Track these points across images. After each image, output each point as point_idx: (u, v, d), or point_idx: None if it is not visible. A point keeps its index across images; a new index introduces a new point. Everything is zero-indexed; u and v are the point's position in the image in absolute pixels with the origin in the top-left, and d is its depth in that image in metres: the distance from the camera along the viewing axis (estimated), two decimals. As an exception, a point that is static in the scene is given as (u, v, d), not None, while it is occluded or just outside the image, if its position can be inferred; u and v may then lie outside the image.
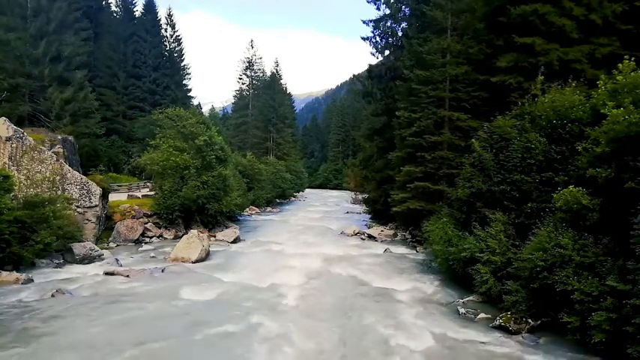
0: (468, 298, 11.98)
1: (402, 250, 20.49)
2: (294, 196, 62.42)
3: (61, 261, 15.51)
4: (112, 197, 22.72)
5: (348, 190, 59.20)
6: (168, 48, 48.98)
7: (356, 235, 25.17)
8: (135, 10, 48.52)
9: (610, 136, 8.89)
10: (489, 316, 10.50)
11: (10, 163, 17.22)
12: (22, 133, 17.90)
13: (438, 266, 15.14)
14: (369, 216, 34.00)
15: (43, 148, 18.77)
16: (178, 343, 8.65)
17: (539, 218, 10.58)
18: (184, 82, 51.34)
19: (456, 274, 13.29)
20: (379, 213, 29.94)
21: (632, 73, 9.40)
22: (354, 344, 8.94)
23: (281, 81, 71.46)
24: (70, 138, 24.81)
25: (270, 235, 24.93)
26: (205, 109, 79.26)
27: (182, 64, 51.28)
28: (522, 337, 9.34)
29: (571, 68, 15.45)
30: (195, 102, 54.40)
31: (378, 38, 29.13)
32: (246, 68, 66.98)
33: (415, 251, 20.01)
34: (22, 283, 12.36)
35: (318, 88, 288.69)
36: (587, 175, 9.26)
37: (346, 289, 13.33)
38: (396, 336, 9.35)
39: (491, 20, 18.18)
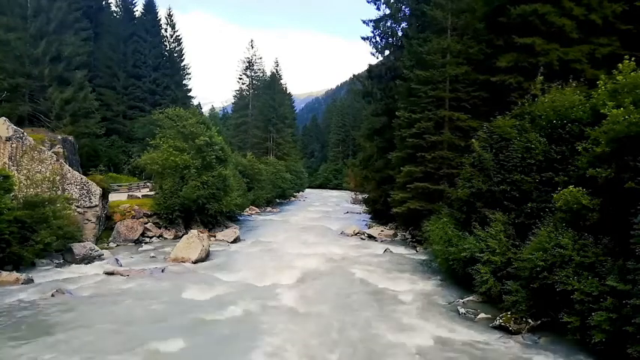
0: (468, 298, 11.98)
1: (402, 250, 20.49)
2: (294, 196, 62.41)
3: (61, 261, 15.51)
4: (112, 197, 22.72)
5: (348, 190, 59.19)
6: (168, 48, 48.95)
7: (356, 235, 25.17)
8: (135, 10, 48.53)
9: (610, 136, 8.89)
10: (489, 316, 10.50)
11: (10, 163, 17.21)
12: (22, 133, 17.90)
13: (438, 266, 15.14)
14: (369, 216, 34.00)
15: (43, 148, 18.78)
16: (178, 343, 8.65)
17: (539, 218, 10.58)
18: (184, 82, 51.33)
19: (456, 274, 13.30)
20: (379, 213, 29.94)
21: (632, 73, 9.40)
22: (354, 344, 8.94)
23: (281, 81, 71.51)
24: (70, 138, 24.81)
25: (270, 235, 24.94)
26: (205, 109, 79.22)
27: (182, 64, 51.26)
28: (522, 337, 9.34)
29: (571, 68, 15.45)
30: (195, 102, 54.43)
31: (378, 38, 29.16)
32: (246, 68, 66.98)
33: (415, 251, 20.01)
34: (22, 283, 12.36)
35: (318, 88, 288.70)
36: (587, 175, 9.26)
37: (346, 289, 13.33)
38: (396, 336, 9.35)
39: (491, 20, 18.19)
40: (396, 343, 9.00)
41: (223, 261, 17.18)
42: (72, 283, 12.78)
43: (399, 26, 28.72)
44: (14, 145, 17.47)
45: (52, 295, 11.35)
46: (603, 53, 15.93)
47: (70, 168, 19.10)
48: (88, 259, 15.64)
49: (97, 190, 18.95)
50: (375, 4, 28.63)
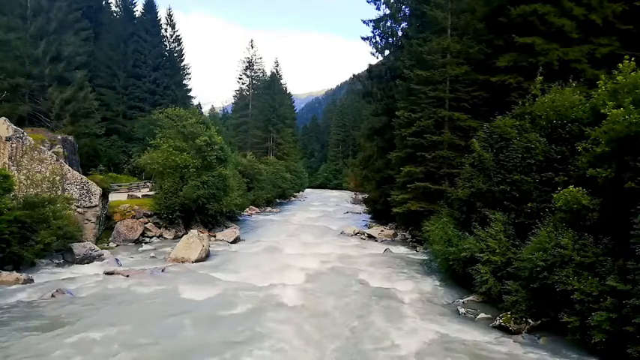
0: (468, 298, 11.98)
1: (402, 250, 20.49)
2: (294, 196, 62.43)
3: (61, 261, 15.51)
4: (112, 197, 22.71)
5: (348, 190, 59.27)
6: (168, 48, 49.00)
7: (356, 235, 25.17)
8: (135, 10, 48.49)
9: (610, 136, 8.89)
10: (489, 316, 10.50)
11: (10, 163, 17.21)
12: (22, 133, 17.90)
13: (438, 266, 15.14)
14: (369, 216, 34.01)
15: (43, 148, 18.77)
16: (178, 343, 8.65)
17: (539, 218, 10.58)
18: (184, 82, 51.38)
19: (456, 274, 13.30)
20: (379, 213, 29.95)
21: (632, 73, 9.39)
22: (354, 344, 8.95)
23: (281, 81, 71.57)
24: (70, 138, 24.82)
25: (270, 235, 24.94)
26: (205, 109, 79.30)
27: (182, 64, 51.32)
28: (522, 337, 9.34)
29: (571, 68, 15.45)
30: (195, 102, 54.49)
31: (378, 38, 29.15)
32: (246, 68, 66.98)
33: (415, 251, 20.01)
34: (22, 283, 12.36)
35: (318, 88, 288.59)
36: (587, 175, 9.27)
37: (346, 289, 13.33)
38: (396, 336, 9.36)
39: (492, 20, 18.19)
40: (395, 342, 9.00)
41: (223, 261, 17.18)
42: (72, 283, 12.78)
43: (399, 26, 28.74)
44: (14, 145, 17.47)
45: (52, 295, 11.35)
46: (603, 53, 15.92)
47: (70, 168, 19.10)
48: (88, 259, 15.63)
49: (97, 190, 18.94)
50: (375, 4, 28.65)
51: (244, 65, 66.98)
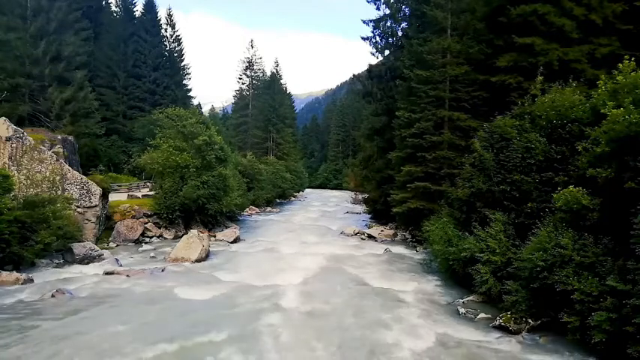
0: (468, 298, 11.98)
1: (402, 250, 20.49)
2: (294, 196, 62.42)
3: (61, 261, 15.51)
4: (112, 197, 22.71)
5: (348, 190, 59.29)
6: (168, 48, 49.01)
7: (356, 235, 25.17)
8: (135, 10, 48.50)
9: (610, 136, 8.89)
10: (489, 316, 10.50)
11: (10, 163, 17.21)
12: (22, 133, 17.90)
13: (438, 266, 15.14)
14: (369, 216, 34.01)
15: (43, 148, 18.77)
16: (178, 343, 8.64)
17: (539, 218, 10.57)
18: (184, 82, 51.39)
19: (456, 274, 13.30)
20: (379, 213, 29.95)
21: (632, 73, 9.39)
22: (354, 344, 8.94)
23: (281, 81, 71.55)
24: (70, 138, 24.82)
25: (270, 235, 24.94)
26: (205, 109, 79.32)
27: (182, 64, 51.33)
28: (522, 336, 9.34)
29: (571, 68, 15.45)
30: (195, 102, 54.50)
31: (378, 38, 29.16)
32: (246, 68, 66.98)
33: (415, 251, 20.01)
34: (22, 283, 12.35)
35: (318, 88, 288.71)
36: (587, 175, 9.26)
37: (346, 289, 13.33)
38: (396, 336, 9.35)
39: (492, 20, 18.20)
40: (396, 342, 9.00)
41: (223, 261, 17.18)
42: (72, 283, 12.78)
43: (399, 26, 28.74)
44: (14, 145, 17.47)
45: (52, 295, 11.35)
46: (603, 53, 15.92)
47: (70, 168, 19.09)
48: (88, 259, 15.63)
49: (97, 190, 18.94)
50: (375, 4, 28.65)
51: (244, 65, 67.04)
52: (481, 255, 11.32)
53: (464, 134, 19.37)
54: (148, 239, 21.05)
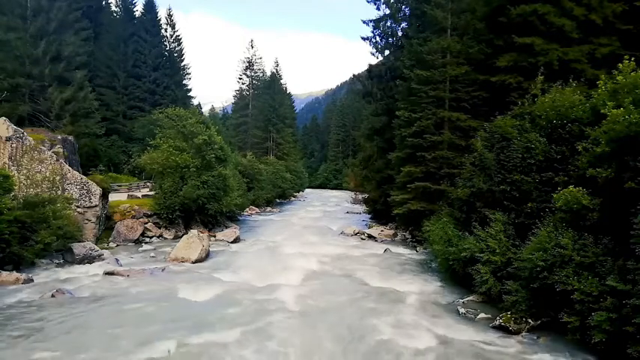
0: (468, 298, 11.98)
1: (402, 250, 20.48)
2: (294, 196, 62.45)
3: (61, 261, 15.50)
4: (112, 197, 22.71)
5: (348, 190, 59.29)
6: (168, 48, 49.03)
7: (356, 235, 25.17)
8: (135, 10, 48.53)
9: (610, 136, 8.89)
10: (489, 316, 10.50)
11: (10, 163, 17.21)
12: (22, 133, 17.90)
13: (438, 266, 15.14)
14: (369, 216, 34.01)
15: (43, 148, 18.77)
16: (178, 343, 8.64)
17: (539, 218, 10.57)
18: (184, 82, 51.41)
19: (456, 274, 13.29)
20: (379, 213, 29.95)
21: (632, 73, 9.38)
22: (354, 344, 8.94)
23: (281, 81, 71.61)
24: (70, 138, 24.82)
25: (270, 235, 24.94)
26: (205, 109, 79.35)
27: (182, 64, 51.34)
28: (522, 336, 9.34)
29: (571, 68, 15.44)
30: (195, 102, 54.52)
31: (378, 38, 29.16)
32: (246, 68, 67.02)
33: (415, 251, 20.01)
34: (22, 283, 12.35)
35: (318, 88, 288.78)
36: (587, 175, 9.26)
37: (346, 289, 13.32)
38: (396, 336, 9.35)
39: (492, 20, 18.19)
40: (396, 342, 8.99)
41: (223, 261, 17.18)
42: (72, 283, 12.78)
43: (399, 26, 28.74)
44: (14, 145, 17.47)
45: (52, 296, 11.35)
46: (603, 53, 15.92)
47: (70, 168, 19.09)
48: (88, 259, 15.63)
49: (97, 190, 18.94)
50: (375, 4, 28.65)
51: (244, 65, 67.09)
52: (481, 255, 11.32)
53: (464, 134, 19.37)
54: (148, 239, 21.05)
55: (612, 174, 8.78)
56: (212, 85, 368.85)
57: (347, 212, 41.11)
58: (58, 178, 18.11)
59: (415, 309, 11.37)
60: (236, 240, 22.14)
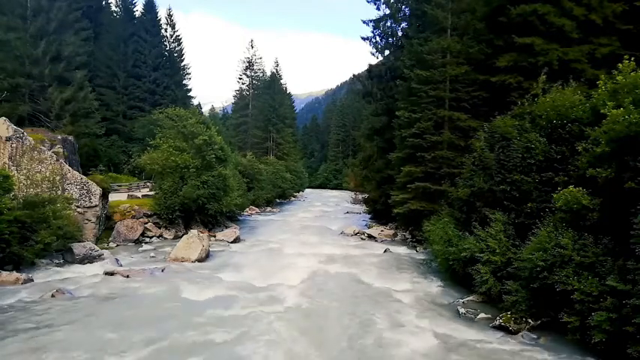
0: (468, 298, 11.98)
1: (402, 250, 20.48)
2: (294, 196, 62.44)
3: (61, 261, 15.50)
4: (112, 197, 22.71)
5: (348, 190, 59.29)
6: (168, 48, 49.04)
7: (356, 235, 25.17)
8: (135, 10, 48.54)
9: (610, 136, 8.88)
10: (489, 316, 10.50)
11: (10, 163, 17.21)
12: (22, 133, 17.90)
13: (438, 266, 15.14)
14: (369, 216, 34.00)
15: (43, 148, 18.77)
16: (178, 343, 8.65)
17: (539, 218, 10.57)
18: (184, 82, 51.43)
19: (456, 274, 13.29)
20: (379, 213, 29.95)
21: (632, 73, 9.38)
22: (354, 344, 8.94)
23: (281, 81, 71.60)
24: (70, 138, 24.82)
25: (270, 235, 24.94)
26: (205, 109, 79.35)
27: (182, 64, 51.36)
28: (522, 336, 9.34)
29: (571, 68, 15.46)
30: (195, 102, 54.54)
31: (378, 38, 29.16)
32: (246, 68, 67.00)
33: (415, 251, 20.01)
34: (22, 283, 12.35)
35: (318, 88, 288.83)
36: (587, 175, 9.26)
37: (346, 289, 13.32)
38: (396, 336, 9.35)
39: (492, 20, 18.21)
40: (396, 342, 9.00)
41: (223, 261, 17.18)
42: (72, 283, 12.78)
43: (399, 26, 28.75)
44: (14, 145, 17.47)
45: (52, 295, 11.34)
46: (603, 53, 15.92)
47: (70, 168, 19.09)
48: (88, 259, 15.62)
49: (97, 190, 18.94)
50: (375, 4, 28.65)
51: (244, 65, 67.07)
52: (481, 255, 11.32)
53: (464, 134, 19.37)
54: (148, 239, 21.05)
55: (612, 174, 8.78)
56: (212, 85, 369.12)
57: (347, 212, 41.10)
58: (58, 178, 18.10)
59: (415, 309, 11.37)
60: (236, 240, 22.13)
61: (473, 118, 19.16)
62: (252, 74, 67.30)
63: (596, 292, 8.08)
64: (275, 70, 69.47)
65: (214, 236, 22.27)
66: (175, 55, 50.08)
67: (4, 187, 14.06)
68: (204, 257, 17.04)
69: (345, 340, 9.15)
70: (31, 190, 17.07)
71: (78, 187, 18.60)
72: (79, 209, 18.32)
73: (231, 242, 21.66)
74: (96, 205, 18.86)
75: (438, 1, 21.07)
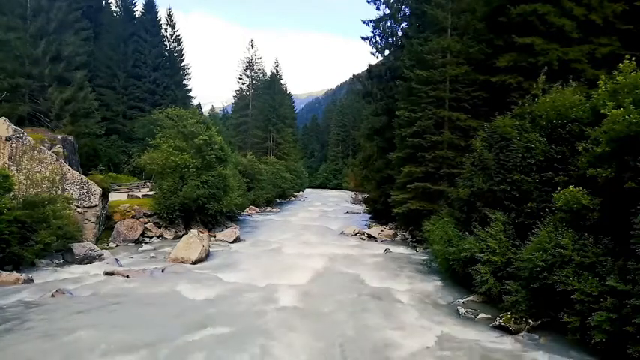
0: (468, 298, 11.98)
1: (402, 250, 20.49)
2: (294, 196, 62.44)
3: (61, 261, 15.50)
4: (112, 197, 22.71)
5: (348, 190, 59.31)
6: (168, 48, 49.05)
7: (356, 235, 25.17)
8: (135, 10, 48.54)
9: (610, 136, 8.88)
10: (489, 316, 10.50)
11: (10, 163, 17.21)
12: (22, 133, 17.90)
13: (438, 266, 15.14)
14: (369, 216, 34.01)
15: (43, 148, 18.77)
16: (178, 343, 8.64)
17: (539, 218, 10.57)
18: (184, 82, 51.43)
19: (456, 274, 13.30)
20: (379, 213, 29.95)
21: (632, 73, 9.39)
22: (354, 344, 8.94)
23: (281, 81, 71.58)
24: (70, 138, 24.83)
25: (270, 234, 24.95)
26: (205, 109, 79.38)
27: (182, 64, 51.37)
28: (522, 336, 9.34)
29: (571, 68, 15.46)
30: (195, 102, 54.54)
31: (378, 38, 29.17)
32: (246, 68, 67.00)
33: (415, 251, 20.01)
34: (22, 283, 12.35)
35: (318, 88, 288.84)
36: (587, 175, 9.26)
37: (346, 289, 13.32)
38: (396, 336, 9.35)
39: (492, 20, 18.20)
40: (395, 342, 8.99)
41: (223, 261, 17.18)
42: (72, 283, 12.78)
43: (399, 26, 28.76)
44: (14, 145, 17.47)
45: (52, 295, 11.35)
46: (603, 53, 15.92)
47: (70, 168, 19.09)
48: (88, 259, 15.62)
49: (97, 190, 18.94)
50: (375, 4, 28.66)
51: (244, 65, 67.07)
52: (481, 255, 11.32)
53: (464, 134, 19.37)
54: (148, 239, 21.04)
55: (612, 174, 8.78)
56: (212, 85, 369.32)
57: (347, 212, 41.10)
58: (58, 178, 18.10)
59: (415, 309, 11.37)
60: (236, 240, 22.14)
61: (473, 118, 19.16)
62: (252, 74, 67.31)
63: (596, 292, 8.08)
64: (275, 70, 69.53)
65: (214, 236, 22.27)
66: (175, 55, 50.09)
67: (4, 187, 14.07)
68: (204, 257, 17.04)
69: (345, 339, 9.14)
70: (31, 190, 17.07)
71: (78, 187, 18.60)
72: (79, 209, 18.32)
73: (231, 242, 21.66)
74: (96, 205, 18.86)
75: (438, 1, 21.06)
